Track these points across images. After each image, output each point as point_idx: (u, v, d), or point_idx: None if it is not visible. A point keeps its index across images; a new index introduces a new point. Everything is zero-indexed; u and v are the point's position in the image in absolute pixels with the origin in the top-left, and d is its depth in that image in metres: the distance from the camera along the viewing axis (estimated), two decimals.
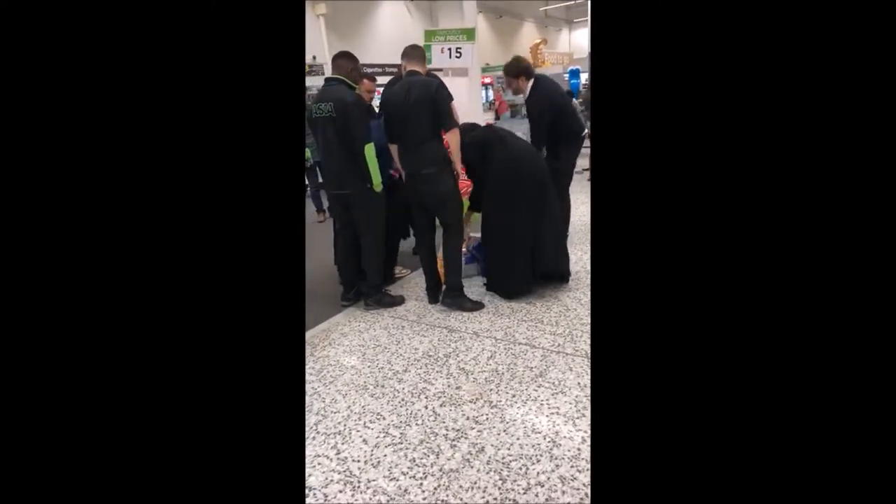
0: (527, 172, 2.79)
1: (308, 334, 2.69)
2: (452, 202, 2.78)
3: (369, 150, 2.64)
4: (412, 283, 3.34)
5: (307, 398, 2.09)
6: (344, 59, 2.77)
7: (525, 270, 2.87)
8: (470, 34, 5.36)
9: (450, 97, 2.66)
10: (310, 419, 1.94)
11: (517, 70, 3.33)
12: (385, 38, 12.48)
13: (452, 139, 2.67)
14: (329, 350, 2.50)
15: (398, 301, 3.02)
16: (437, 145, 2.68)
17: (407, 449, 1.73)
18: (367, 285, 2.96)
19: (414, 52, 2.78)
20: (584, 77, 10.04)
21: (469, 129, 3.01)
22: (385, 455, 1.71)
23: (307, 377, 2.25)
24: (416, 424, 1.86)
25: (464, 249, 3.03)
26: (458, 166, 2.79)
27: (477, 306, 2.83)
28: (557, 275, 3.00)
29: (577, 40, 21.88)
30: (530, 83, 3.33)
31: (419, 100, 2.60)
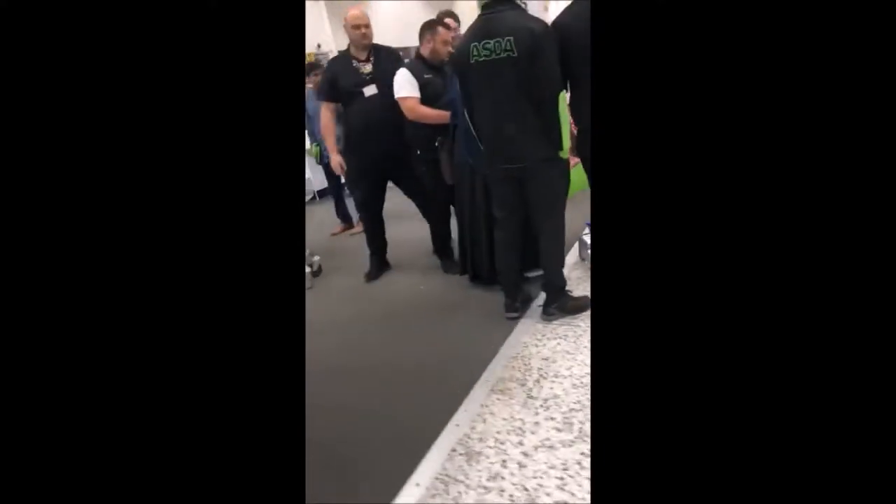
0: None
1: (498, 369, 1.93)
2: None
3: (563, 101, 1.86)
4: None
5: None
6: None
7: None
8: None
9: None
10: None
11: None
12: (388, 21, 11.74)
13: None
14: (554, 388, 1.75)
15: (583, 305, 2.25)
16: None
17: None
18: (550, 287, 2.20)
19: None
20: None
21: None
22: None
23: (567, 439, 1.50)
24: None
25: None
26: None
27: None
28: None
29: None
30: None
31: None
